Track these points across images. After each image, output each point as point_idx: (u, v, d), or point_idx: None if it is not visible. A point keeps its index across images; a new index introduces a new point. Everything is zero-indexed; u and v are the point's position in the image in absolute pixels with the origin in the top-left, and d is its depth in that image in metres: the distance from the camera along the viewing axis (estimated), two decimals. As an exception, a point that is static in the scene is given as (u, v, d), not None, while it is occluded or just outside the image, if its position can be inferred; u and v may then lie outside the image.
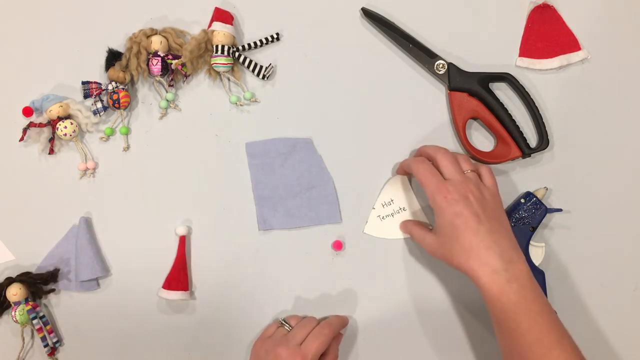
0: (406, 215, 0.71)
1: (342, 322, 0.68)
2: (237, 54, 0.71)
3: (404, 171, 0.70)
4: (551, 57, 0.73)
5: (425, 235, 0.65)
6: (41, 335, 0.68)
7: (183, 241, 0.70)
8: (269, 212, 0.71)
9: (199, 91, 0.73)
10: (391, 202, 0.71)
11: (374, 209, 0.71)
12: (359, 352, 0.71)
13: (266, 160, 0.71)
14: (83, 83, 0.71)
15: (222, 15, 0.71)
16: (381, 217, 0.71)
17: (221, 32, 0.70)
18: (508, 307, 0.58)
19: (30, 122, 0.70)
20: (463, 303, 0.71)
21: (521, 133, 0.70)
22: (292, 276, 0.71)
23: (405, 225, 0.70)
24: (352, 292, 0.71)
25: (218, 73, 0.72)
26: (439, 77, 0.72)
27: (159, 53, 0.70)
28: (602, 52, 0.73)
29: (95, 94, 0.71)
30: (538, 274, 0.69)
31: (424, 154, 0.68)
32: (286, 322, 0.67)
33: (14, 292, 0.67)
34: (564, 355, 0.57)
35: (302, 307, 0.71)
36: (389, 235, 0.71)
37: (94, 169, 0.72)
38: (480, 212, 0.60)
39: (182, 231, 0.70)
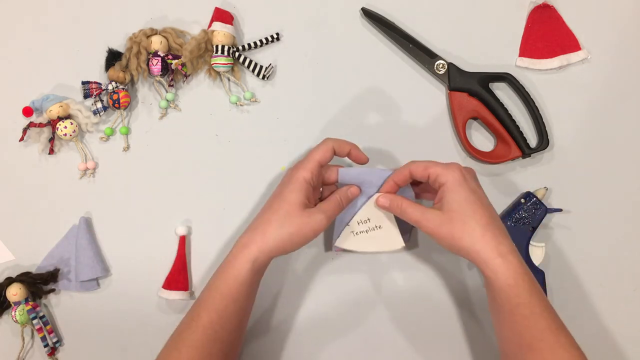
0: (381, 234, 0.68)
1: (345, 143, 0.64)
2: (237, 54, 0.71)
3: (405, 177, 0.64)
4: (551, 57, 0.73)
5: (426, 211, 0.60)
6: (41, 335, 0.68)
7: (183, 241, 0.70)
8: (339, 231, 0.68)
9: (199, 91, 0.73)
10: (367, 221, 0.68)
11: (348, 225, 0.67)
12: (359, 351, 0.71)
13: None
14: (83, 83, 0.71)
15: (222, 15, 0.71)
16: (355, 232, 0.68)
17: (221, 32, 0.70)
18: (523, 290, 0.55)
19: (30, 122, 0.70)
20: (462, 301, 0.71)
21: (521, 133, 0.70)
22: (292, 276, 0.71)
23: (393, 202, 0.63)
24: (352, 291, 0.71)
25: (218, 73, 0.72)
26: (439, 77, 0.72)
27: (159, 53, 0.70)
28: (602, 52, 0.73)
29: (95, 94, 0.71)
30: (538, 274, 0.68)
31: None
32: None
33: (14, 292, 0.67)
34: (569, 340, 0.56)
35: (302, 307, 0.71)
36: (360, 248, 0.68)
37: (94, 169, 0.72)
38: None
39: (182, 231, 0.70)
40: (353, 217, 0.67)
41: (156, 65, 0.70)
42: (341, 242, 0.68)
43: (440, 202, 0.60)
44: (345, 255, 0.71)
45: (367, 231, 0.68)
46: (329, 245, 0.71)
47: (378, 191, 0.66)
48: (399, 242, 0.69)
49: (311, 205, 0.62)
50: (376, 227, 0.68)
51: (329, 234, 0.70)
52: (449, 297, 0.71)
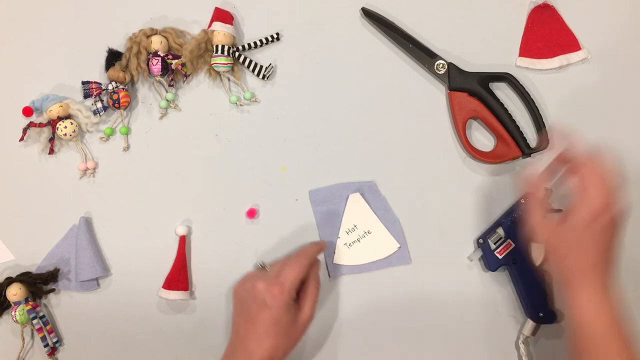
0: (372, 238, 0.70)
1: (318, 248, 0.67)
2: (237, 54, 0.71)
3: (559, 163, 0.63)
4: (551, 57, 0.73)
5: (548, 218, 0.61)
6: (41, 335, 0.68)
7: (183, 241, 0.70)
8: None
9: (199, 91, 0.73)
10: (355, 228, 0.70)
11: (339, 237, 0.70)
12: (360, 351, 0.71)
13: (331, 207, 0.71)
14: (83, 83, 0.71)
15: (222, 15, 0.71)
16: (348, 244, 0.70)
17: (221, 32, 0.70)
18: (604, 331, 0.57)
19: (30, 122, 0.70)
20: (461, 302, 0.71)
21: (521, 133, 0.70)
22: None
23: (530, 189, 0.62)
24: (351, 290, 0.71)
25: (218, 73, 0.72)
26: (439, 77, 0.72)
27: (159, 53, 0.70)
28: (602, 52, 0.73)
29: (95, 94, 0.71)
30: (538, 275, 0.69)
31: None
32: (265, 264, 0.67)
33: (14, 292, 0.67)
34: None
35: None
36: (358, 261, 0.70)
37: (94, 169, 0.72)
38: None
39: (182, 231, 0.70)
40: (340, 228, 0.70)
41: (156, 65, 0.70)
42: (338, 258, 0.70)
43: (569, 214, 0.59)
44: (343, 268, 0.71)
45: (359, 239, 0.70)
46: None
47: None
48: (394, 244, 0.70)
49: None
50: (366, 232, 0.70)
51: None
52: (448, 298, 0.71)
